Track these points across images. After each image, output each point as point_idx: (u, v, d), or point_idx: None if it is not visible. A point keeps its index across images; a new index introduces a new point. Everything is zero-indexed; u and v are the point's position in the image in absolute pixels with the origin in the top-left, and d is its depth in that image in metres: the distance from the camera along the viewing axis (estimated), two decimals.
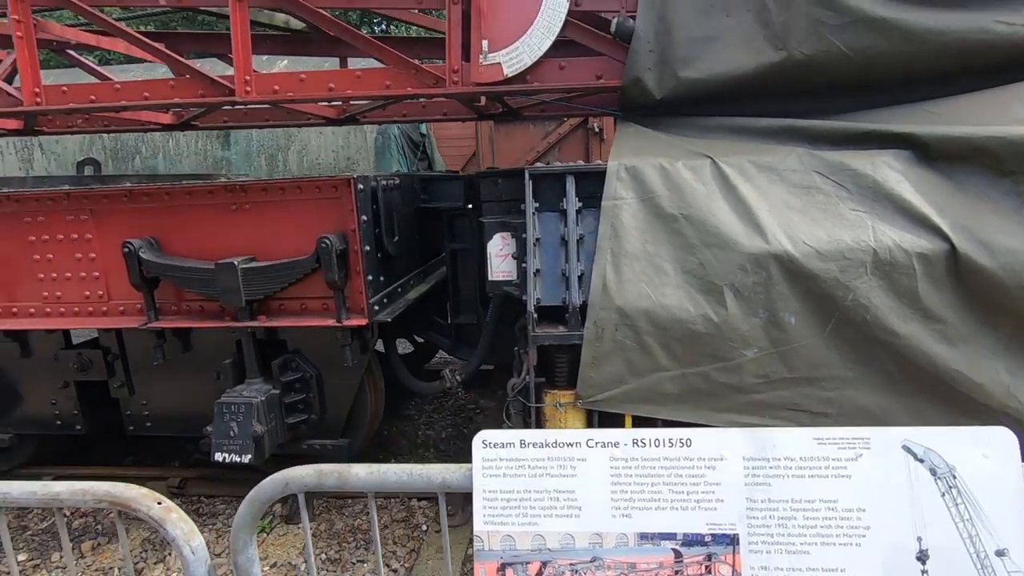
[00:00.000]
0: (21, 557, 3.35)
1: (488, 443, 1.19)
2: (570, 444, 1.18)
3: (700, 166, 2.64)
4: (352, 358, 3.11)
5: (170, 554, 3.34)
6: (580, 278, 2.64)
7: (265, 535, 3.44)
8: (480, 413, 5.01)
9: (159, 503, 1.27)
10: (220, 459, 2.99)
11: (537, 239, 2.71)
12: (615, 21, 3.02)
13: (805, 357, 2.46)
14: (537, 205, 2.75)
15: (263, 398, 3.06)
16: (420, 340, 5.20)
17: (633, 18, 3.02)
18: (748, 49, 2.81)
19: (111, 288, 3.28)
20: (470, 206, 3.95)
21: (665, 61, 2.95)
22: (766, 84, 2.84)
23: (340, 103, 4.56)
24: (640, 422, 2.69)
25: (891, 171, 2.45)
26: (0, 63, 4.59)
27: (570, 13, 3.06)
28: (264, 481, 1.30)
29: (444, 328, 4.37)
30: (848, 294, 2.36)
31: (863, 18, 2.57)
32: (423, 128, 8.31)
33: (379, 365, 3.61)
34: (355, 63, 5.23)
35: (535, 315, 2.64)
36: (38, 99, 3.45)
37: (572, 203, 2.70)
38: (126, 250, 3.01)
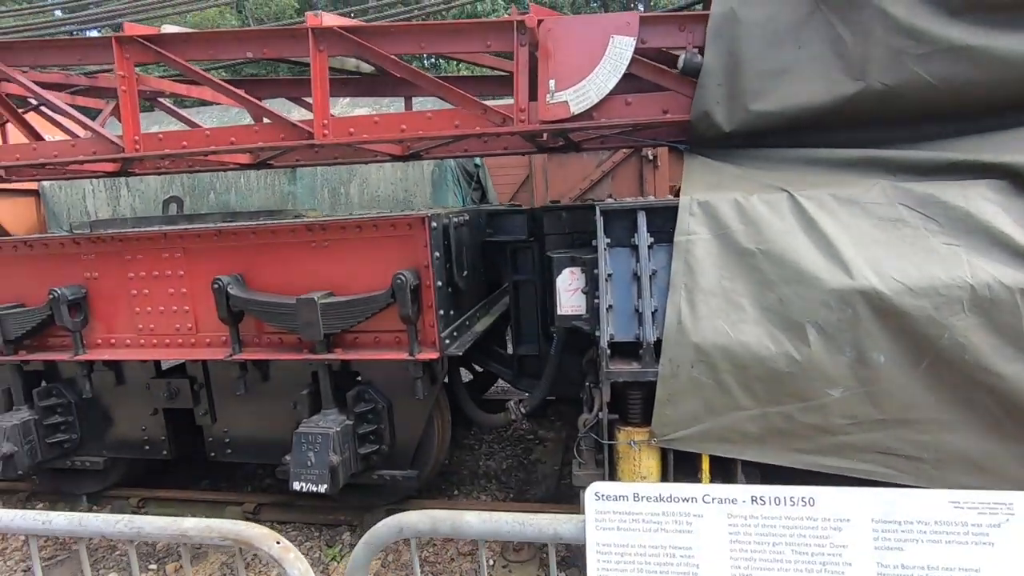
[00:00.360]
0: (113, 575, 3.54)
1: (601, 495, 1.19)
2: (686, 499, 1.16)
3: (776, 200, 2.60)
4: (423, 390, 3.18)
5: None
6: (654, 314, 2.62)
7: (336, 563, 3.50)
8: (540, 444, 4.98)
9: (278, 543, 1.32)
10: (298, 488, 3.09)
11: (609, 275, 2.72)
12: (682, 57, 3.04)
13: (897, 398, 2.35)
14: (608, 241, 2.77)
15: (338, 429, 3.15)
16: (478, 369, 5.26)
17: (701, 53, 3.04)
18: (823, 80, 2.77)
19: (199, 321, 3.48)
20: (532, 239, 4.02)
21: (734, 95, 2.94)
22: (842, 115, 2.79)
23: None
24: (718, 462, 2.62)
25: (987, 203, 2.34)
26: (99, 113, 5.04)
27: (636, 51, 3.11)
28: (379, 525, 1.33)
29: (505, 358, 4.41)
30: (944, 332, 2.25)
31: (949, 47, 2.50)
32: (477, 159, 8.50)
33: (446, 397, 3.66)
34: (419, 103, 5.46)
35: (608, 351, 2.64)
36: (137, 146, 3.75)
37: (644, 239, 2.70)
38: (216, 286, 3.19)
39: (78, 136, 4.61)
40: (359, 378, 3.47)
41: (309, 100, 4.51)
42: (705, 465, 2.61)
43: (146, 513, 4.17)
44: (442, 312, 3.13)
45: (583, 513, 2.49)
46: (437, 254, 3.08)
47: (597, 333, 2.66)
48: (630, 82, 3.23)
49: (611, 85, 3.14)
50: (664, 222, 2.76)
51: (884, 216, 2.47)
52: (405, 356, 3.08)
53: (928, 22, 2.52)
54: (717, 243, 2.59)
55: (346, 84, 4.86)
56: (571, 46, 3.16)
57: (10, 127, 5.10)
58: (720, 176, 2.91)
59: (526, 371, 4.22)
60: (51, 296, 3.48)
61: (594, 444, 2.81)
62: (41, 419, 3.81)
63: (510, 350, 4.39)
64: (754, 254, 2.52)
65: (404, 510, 3.67)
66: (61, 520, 1.33)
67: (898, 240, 2.42)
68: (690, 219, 2.64)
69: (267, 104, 4.02)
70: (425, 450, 3.54)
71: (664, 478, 2.68)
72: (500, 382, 5.47)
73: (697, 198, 2.68)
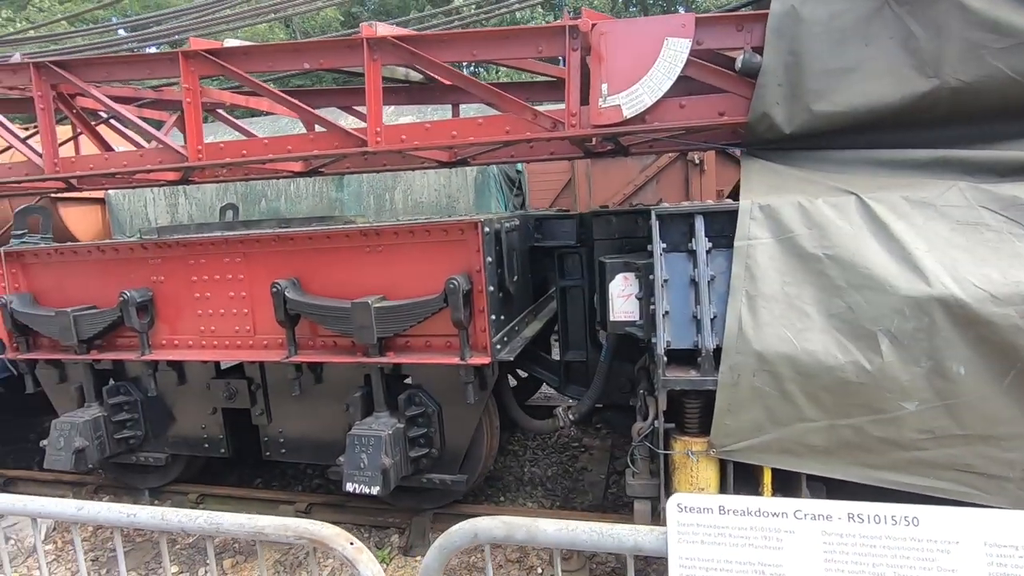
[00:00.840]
0: (173, 569, 3.66)
1: (684, 507, 1.15)
2: (775, 514, 1.11)
3: (844, 203, 2.50)
4: (473, 395, 3.18)
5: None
6: (713, 321, 2.55)
7: (385, 565, 3.54)
8: (585, 452, 4.92)
9: (351, 543, 1.34)
10: (351, 489, 3.14)
11: (665, 280, 2.67)
12: (741, 58, 2.96)
13: (979, 412, 2.21)
14: (664, 245, 2.72)
15: (390, 432, 3.19)
16: (523, 375, 5.24)
17: (759, 53, 2.96)
18: (892, 78, 2.65)
19: (257, 323, 3.59)
20: (580, 244, 3.98)
21: (796, 95, 2.85)
22: (913, 114, 2.66)
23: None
24: (781, 475, 2.53)
25: None
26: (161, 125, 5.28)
27: (691, 52, 3.06)
28: (453, 530, 1.33)
29: (551, 364, 4.37)
30: None
31: None
32: (519, 165, 8.52)
33: (494, 402, 3.66)
34: (464, 110, 5.51)
35: (665, 358, 2.58)
36: (200, 155, 3.91)
37: (702, 243, 2.64)
38: (274, 290, 3.29)
39: (144, 147, 4.85)
40: (408, 380, 3.51)
41: (359, 108, 4.62)
42: (767, 478, 2.52)
43: (204, 509, 4.32)
44: (493, 317, 3.14)
45: (638, 522, 2.44)
46: (489, 259, 3.08)
47: (653, 340, 2.61)
48: (683, 84, 3.17)
49: (665, 88, 3.09)
50: (723, 226, 2.69)
51: (963, 219, 2.34)
52: (456, 361, 3.09)
53: (1011, 13, 2.38)
54: (780, 248, 2.51)
55: (395, 93, 4.95)
56: (624, 49, 3.13)
57: (81, 139, 5.42)
58: (781, 179, 2.82)
59: (573, 377, 4.18)
60: (121, 298, 3.65)
61: (649, 453, 2.75)
62: (110, 416, 4.00)
63: (556, 356, 4.36)
64: (820, 259, 2.42)
65: (451, 515, 3.70)
66: (144, 515, 1.38)
67: (979, 245, 2.29)
68: (751, 223, 2.57)
69: (319, 113, 4.14)
70: (474, 455, 3.55)
71: (723, 490, 2.60)
72: (544, 388, 5.44)
73: (758, 202, 2.60)
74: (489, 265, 3.09)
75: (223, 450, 3.97)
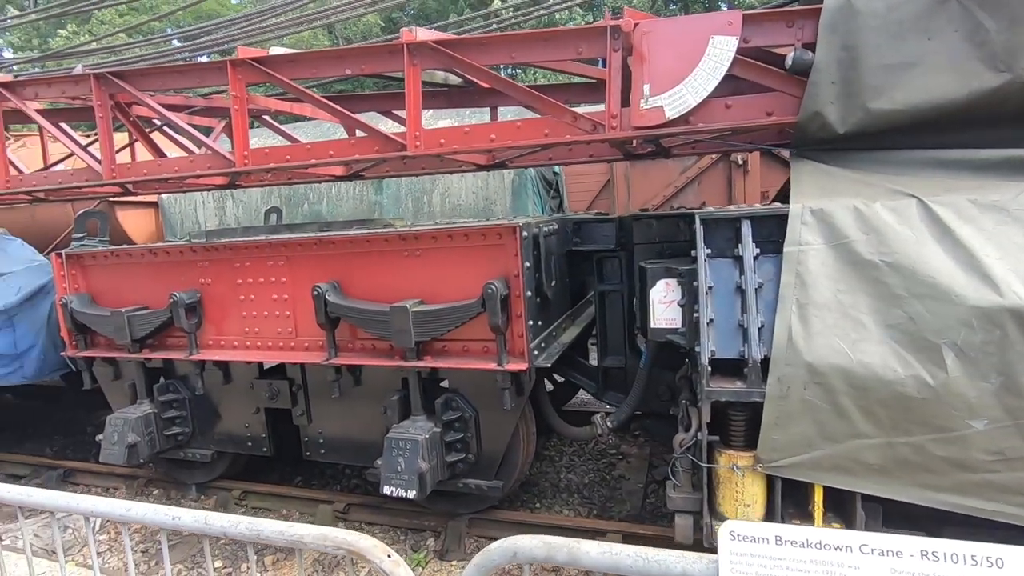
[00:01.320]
0: (217, 564, 3.77)
1: (737, 535, 1.09)
2: (839, 548, 1.03)
3: (904, 207, 2.36)
4: (510, 401, 3.15)
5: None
6: (760, 330, 2.44)
7: (421, 568, 3.55)
8: (623, 459, 4.82)
9: (389, 556, 1.33)
10: (388, 492, 3.15)
11: (709, 287, 2.57)
12: (791, 55, 2.84)
13: None
14: (708, 251, 2.63)
15: (427, 436, 3.19)
16: (559, 380, 5.18)
17: (811, 50, 2.83)
18: (958, 74, 2.49)
19: (299, 325, 3.66)
20: (620, 248, 3.90)
21: (851, 92, 2.71)
22: (982, 111, 2.49)
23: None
24: (833, 494, 2.41)
25: None
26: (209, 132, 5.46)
27: (738, 50, 2.95)
28: (492, 548, 1.31)
29: (588, 370, 4.30)
30: None
31: None
32: (556, 167, 8.46)
33: (531, 407, 3.62)
34: (504, 112, 5.49)
35: (709, 368, 2.49)
36: (246, 160, 4.01)
37: (749, 249, 2.54)
38: (315, 293, 3.34)
39: (194, 152, 5.02)
40: (444, 384, 3.51)
41: (399, 113, 4.66)
42: (818, 496, 2.40)
43: (246, 505, 4.43)
44: (531, 322, 3.10)
45: (682, 539, 2.35)
46: (527, 264, 3.05)
47: (696, 348, 2.52)
48: (728, 84, 3.07)
49: (710, 88, 2.99)
50: (771, 231, 2.58)
51: None
52: (493, 366, 3.07)
53: None
54: (833, 254, 2.39)
55: (434, 97, 4.98)
56: (667, 49, 3.04)
57: (136, 145, 5.65)
58: (835, 181, 2.68)
59: (611, 384, 4.10)
60: (171, 300, 3.79)
61: (691, 466, 2.66)
62: (160, 413, 4.15)
63: (594, 361, 4.29)
64: (877, 266, 2.29)
65: (487, 521, 3.67)
66: (188, 518, 1.41)
67: None
68: (802, 228, 2.45)
69: (359, 117, 4.19)
70: (510, 461, 3.52)
71: (770, 508, 2.49)
72: (581, 393, 5.37)
73: (810, 205, 2.48)
74: (527, 270, 3.05)
75: (265, 449, 4.07)
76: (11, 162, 4.89)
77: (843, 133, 2.77)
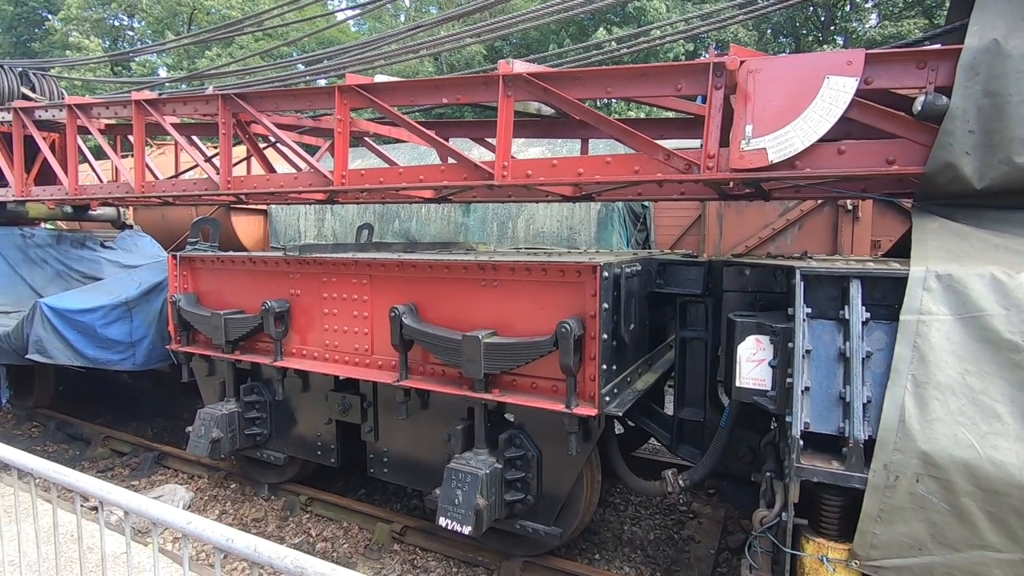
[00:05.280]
0: None
1: None
2: None
3: None
4: (576, 447, 3.01)
5: None
6: (866, 406, 2.16)
7: None
8: (694, 519, 4.48)
9: None
10: (444, 524, 3.10)
11: (807, 351, 2.32)
12: (922, 99, 2.56)
13: None
14: (809, 310, 2.38)
15: (488, 471, 3.11)
16: (630, 424, 4.94)
17: (946, 94, 2.53)
18: None
19: (375, 344, 3.74)
20: (707, 294, 3.67)
21: (993, 144, 2.39)
22: None
23: None
24: None
25: None
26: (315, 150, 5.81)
27: (858, 92, 2.70)
28: None
29: (663, 419, 4.06)
30: None
31: None
32: (647, 200, 8.24)
33: (598, 454, 3.45)
34: (595, 144, 5.42)
35: (800, 442, 2.23)
36: (344, 180, 4.21)
37: (858, 313, 2.27)
38: (392, 314, 3.40)
39: (300, 169, 5.37)
40: (508, 416, 3.42)
41: (491, 140, 4.73)
42: None
43: (310, 512, 4.55)
44: (604, 367, 2.96)
45: None
46: (605, 305, 2.93)
47: (788, 418, 2.27)
48: (841, 126, 2.81)
49: (821, 132, 2.76)
50: (885, 294, 2.30)
51: None
52: (561, 408, 2.95)
53: None
54: (962, 328, 2.07)
55: (526, 126, 5.01)
56: (775, 88, 2.85)
57: (251, 160, 6.15)
58: (968, 243, 2.36)
59: (687, 437, 3.83)
60: (263, 307, 4.01)
61: (772, 548, 2.38)
62: (243, 412, 4.39)
63: (669, 410, 4.04)
64: (1020, 348, 1.96)
65: (542, 567, 3.51)
66: (240, 543, 1.42)
67: None
68: (924, 294, 2.16)
69: (452, 142, 4.28)
70: (571, 508, 3.36)
71: None
72: (653, 440, 5.08)
73: (935, 269, 2.18)
74: (604, 312, 2.92)
75: (333, 460, 4.17)
76: (148, 167, 5.49)
77: (980, 189, 2.44)
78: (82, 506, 2.17)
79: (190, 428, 4.37)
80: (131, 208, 8.71)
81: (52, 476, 1.89)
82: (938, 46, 3.20)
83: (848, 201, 6.63)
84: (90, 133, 5.55)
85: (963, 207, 2.55)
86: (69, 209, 7.12)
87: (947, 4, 3.67)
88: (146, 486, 5.13)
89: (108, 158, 6.08)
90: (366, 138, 5.90)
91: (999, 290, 2.05)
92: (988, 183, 2.42)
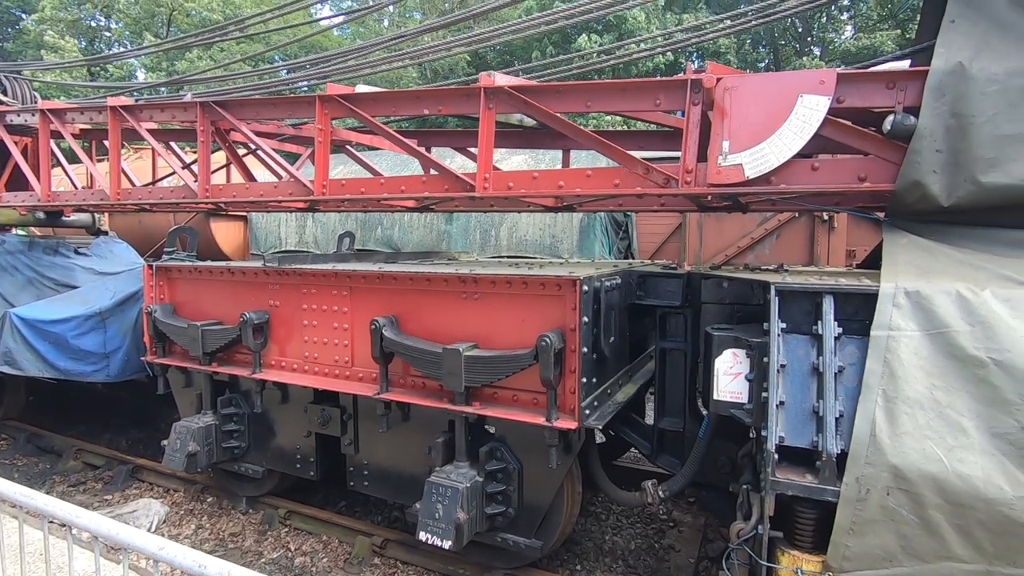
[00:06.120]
0: None
1: None
2: None
3: (1020, 298, 2.07)
4: (556, 459, 3.02)
5: None
6: (838, 420, 2.20)
7: None
8: (674, 528, 4.51)
9: None
10: (424, 539, 3.08)
11: (782, 365, 2.36)
12: (891, 119, 2.63)
13: None
14: (783, 325, 2.42)
15: (468, 484, 3.10)
16: (611, 433, 4.96)
17: (914, 114, 2.60)
18: None
19: (355, 356, 3.71)
20: (686, 305, 3.71)
21: (959, 163, 2.47)
22: None
23: None
24: None
25: None
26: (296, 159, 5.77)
27: (830, 111, 2.76)
28: None
29: (643, 429, 4.08)
30: None
31: None
32: None
33: (578, 466, 3.46)
34: (577, 154, 5.46)
35: (775, 456, 2.26)
36: (324, 189, 4.18)
37: (830, 328, 2.32)
38: (373, 327, 3.38)
39: (280, 177, 5.32)
40: (488, 429, 3.41)
41: (472, 150, 4.74)
42: None
43: (289, 525, 4.49)
44: (584, 380, 2.97)
45: None
46: (585, 318, 2.94)
47: (764, 432, 2.31)
48: (816, 143, 2.88)
49: (795, 149, 2.81)
50: (856, 310, 2.35)
51: None
52: (542, 421, 2.96)
53: None
54: (930, 344, 2.13)
55: (508, 136, 5.03)
56: (751, 105, 2.90)
57: (230, 167, 6.08)
58: (935, 260, 2.42)
59: (667, 447, 3.86)
60: (241, 318, 3.96)
61: (748, 560, 2.41)
62: (221, 425, 4.32)
63: (650, 420, 4.07)
64: (984, 364, 2.01)
65: None
66: (213, 568, 1.40)
67: None
68: (894, 310, 2.21)
69: (434, 151, 4.28)
70: (552, 520, 3.36)
71: None
72: (634, 449, 5.11)
73: (904, 286, 2.24)
74: (585, 325, 2.94)
75: (312, 473, 4.12)
76: (125, 173, 5.39)
77: (947, 206, 2.51)
78: (51, 523, 2.12)
79: (165, 441, 4.29)
80: (107, 214, 8.54)
81: (18, 500, 1.84)
82: (907, 65, 3.31)
83: (825, 212, 6.76)
84: (64, 138, 5.44)
85: (931, 223, 2.62)
86: (41, 215, 6.95)
87: (919, 17, 3.77)
88: (120, 500, 5.01)
89: (83, 162, 5.97)
90: (347, 146, 5.88)
91: (964, 307, 2.10)
92: (955, 201, 2.49)
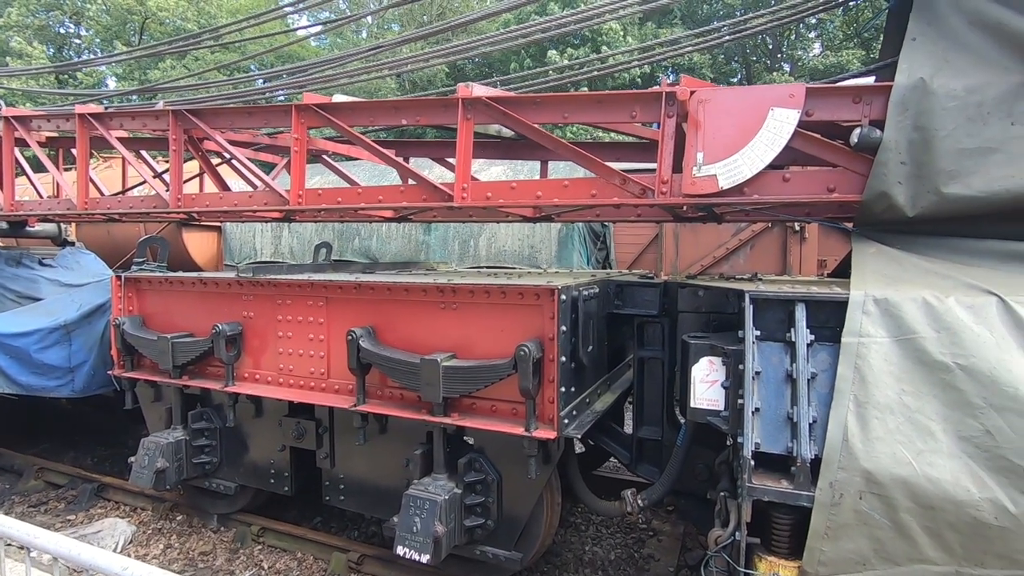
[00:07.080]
0: None
1: None
2: None
3: (982, 305, 2.14)
4: (535, 469, 3.00)
5: None
6: (812, 426, 2.24)
7: None
8: (653, 536, 4.51)
9: None
10: (401, 553, 3.02)
11: (757, 372, 2.39)
12: (858, 132, 2.71)
13: None
14: (758, 333, 2.46)
15: (446, 497, 3.06)
16: (590, 443, 4.96)
17: (879, 128, 2.69)
18: None
19: (332, 367, 3.66)
20: (663, 314, 3.74)
21: (923, 175, 2.55)
22: None
23: None
24: None
25: None
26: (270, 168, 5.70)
27: (800, 123, 2.84)
28: None
29: (622, 438, 4.09)
30: None
31: None
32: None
33: (558, 476, 3.44)
34: (555, 165, 5.50)
35: (752, 462, 2.29)
36: (300, 199, 4.13)
37: (803, 335, 2.36)
38: (349, 337, 3.33)
39: (256, 187, 5.24)
40: (467, 440, 3.38)
41: (451, 161, 4.74)
42: None
43: (263, 543, 4.37)
44: (563, 389, 2.97)
45: None
46: (563, 328, 2.95)
47: (740, 439, 2.33)
48: (787, 155, 2.95)
49: (767, 160, 2.88)
50: (828, 317, 2.40)
51: None
52: (521, 431, 2.94)
53: None
54: (899, 350, 2.18)
55: (486, 147, 5.05)
56: (724, 118, 2.96)
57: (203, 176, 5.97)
58: (901, 268, 2.49)
59: (646, 456, 3.87)
60: (214, 330, 3.87)
61: (727, 568, 2.42)
62: (191, 440, 4.20)
63: (629, 428, 4.08)
64: (950, 369, 2.07)
65: None
66: None
67: None
68: (863, 318, 2.26)
69: (412, 161, 4.26)
70: (532, 532, 3.33)
71: None
72: (613, 459, 5.11)
73: (873, 294, 2.29)
74: (563, 334, 2.95)
75: (287, 488, 4.02)
76: (93, 182, 5.25)
77: (912, 216, 2.59)
78: (8, 545, 2.02)
79: (132, 459, 4.15)
80: (74, 224, 8.30)
81: None
82: (872, 80, 3.42)
83: (796, 223, 6.92)
84: (29, 146, 5.29)
85: (897, 233, 2.70)
86: (4, 225, 6.72)
87: (882, 36, 3.91)
88: (84, 520, 4.82)
89: (48, 171, 5.80)
90: (324, 156, 5.83)
91: (930, 314, 2.16)
92: (919, 211, 2.57)
